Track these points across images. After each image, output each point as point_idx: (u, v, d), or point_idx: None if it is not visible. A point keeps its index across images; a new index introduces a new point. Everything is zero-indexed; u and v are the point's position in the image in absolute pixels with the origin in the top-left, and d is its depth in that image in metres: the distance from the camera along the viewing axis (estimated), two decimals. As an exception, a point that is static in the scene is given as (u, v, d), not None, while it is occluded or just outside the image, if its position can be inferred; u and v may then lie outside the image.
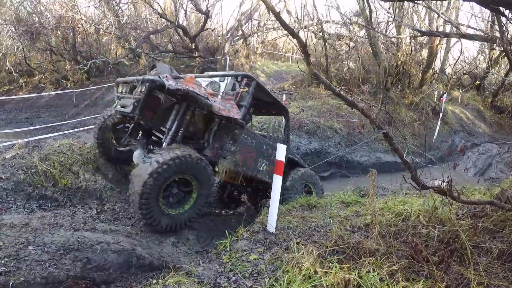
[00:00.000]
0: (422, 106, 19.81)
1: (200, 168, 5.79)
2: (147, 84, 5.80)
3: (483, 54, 26.93)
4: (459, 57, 25.58)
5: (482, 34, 8.97)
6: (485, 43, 19.27)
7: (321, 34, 20.68)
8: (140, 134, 7.33)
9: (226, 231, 5.23)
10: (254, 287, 3.71)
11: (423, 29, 15.34)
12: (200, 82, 7.01)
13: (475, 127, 22.00)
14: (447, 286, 3.67)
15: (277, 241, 4.75)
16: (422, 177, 4.87)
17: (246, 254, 4.39)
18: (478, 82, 25.53)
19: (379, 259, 4.10)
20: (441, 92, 21.10)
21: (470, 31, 8.62)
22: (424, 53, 21.34)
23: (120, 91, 6.80)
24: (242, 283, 3.77)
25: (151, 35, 24.57)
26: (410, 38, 18.92)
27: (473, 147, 19.08)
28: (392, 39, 19.79)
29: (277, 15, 4.33)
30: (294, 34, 4.66)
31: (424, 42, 20.55)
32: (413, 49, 20.05)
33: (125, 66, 24.26)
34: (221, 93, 6.83)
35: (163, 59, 25.46)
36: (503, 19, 6.05)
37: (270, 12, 4.69)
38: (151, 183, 5.35)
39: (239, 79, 7.07)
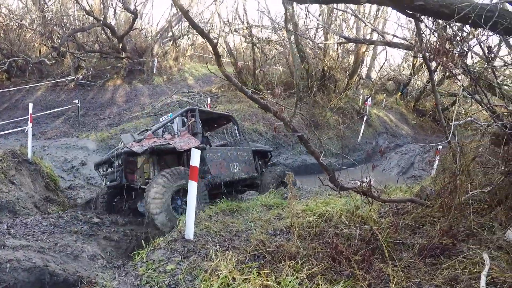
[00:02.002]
0: (347, 110, 20.38)
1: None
2: (121, 156, 7.30)
3: (407, 61, 28.18)
4: (383, 64, 26.68)
5: (406, 42, 9.29)
6: (409, 51, 20.17)
7: (250, 38, 20.75)
8: (133, 196, 8.53)
9: (142, 241, 5.05)
10: None
11: (351, 37, 15.78)
12: (158, 132, 8.63)
13: (398, 129, 22.89)
14: (369, 284, 3.64)
15: (195, 249, 4.56)
16: (345, 178, 4.88)
17: (163, 264, 4.20)
18: (402, 89, 26.62)
19: (299, 262, 4.01)
20: (365, 96, 21.76)
21: (395, 40, 8.94)
22: (351, 59, 21.95)
23: (102, 171, 8.41)
24: None
25: (77, 33, 23.52)
26: (337, 45, 19.38)
27: (396, 148, 19.81)
28: (320, 45, 20.19)
29: (186, 14, 4.17)
30: (203, 34, 4.54)
31: (351, 49, 21.12)
32: (339, 55, 20.55)
33: (47, 65, 23.08)
34: (176, 132, 8.40)
35: (89, 59, 24.50)
36: (423, 27, 6.23)
37: (178, 9, 4.51)
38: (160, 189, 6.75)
39: (184, 114, 8.71)
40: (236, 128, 10.24)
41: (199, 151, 4.94)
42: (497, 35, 5.18)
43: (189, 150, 7.32)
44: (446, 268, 3.97)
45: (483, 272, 3.57)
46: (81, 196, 10.33)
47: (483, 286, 3.33)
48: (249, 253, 4.35)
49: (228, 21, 22.86)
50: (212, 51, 4.40)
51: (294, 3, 16.37)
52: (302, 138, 4.83)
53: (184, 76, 26.46)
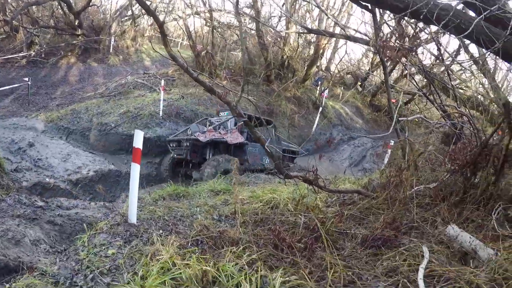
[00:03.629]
0: (303, 100, 20.58)
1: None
2: (190, 141, 11.05)
3: (367, 57, 28.53)
4: (343, 57, 26.91)
5: (366, 38, 9.39)
6: (370, 47, 20.48)
7: (210, 21, 20.47)
8: (190, 166, 11.91)
9: (84, 224, 4.89)
10: (112, 283, 3.42)
11: (312, 28, 15.81)
12: (216, 125, 12.16)
13: (353, 123, 23.22)
14: (310, 272, 3.63)
15: (138, 233, 4.44)
16: (293, 166, 4.89)
17: (104, 248, 4.05)
18: (360, 83, 27.00)
19: (241, 248, 3.99)
20: (323, 88, 21.94)
21: (358, 35, 9.07)
22: (311, 50, 22.04)
23: (172, 145, 12.00)
24: (99, 280, 3.47)
25: (32, 7, 22.43)
26: (298, 34, 19.40)
27: (349, 140, 20.16)
28: (281, 34, 20.17)
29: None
30: (149, 11, 4.43)
31: (313, 40, 21.18)
32: (300, 45, 20.58)
33: (-2, 40, 22.03)
34: (229, 129, 11.84)
35: (43, 35, 23.47)
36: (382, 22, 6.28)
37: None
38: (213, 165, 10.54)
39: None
40: (273, 130, 13.55)
41: (142, 133, 4.77)
42: (448, 33, 5.26)
43: (237, 143, 11.56)
44: (386, 259, 4.03)
45: (422, 265, 3.64)
46: (27, 179, 9.91)
47: (420, 279, 3.39)
48: (191, 238, 4.29)
49: (190, 2, 22.36)
50: (159, 31, 4.27)
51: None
52: (248, 123, 4.88)
53: (141, 57, 25.77)
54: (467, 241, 4.25)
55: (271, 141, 12.69)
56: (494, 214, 4.93)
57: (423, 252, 3.96)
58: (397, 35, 4.62)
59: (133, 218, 4.69)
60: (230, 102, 4.60)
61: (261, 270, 3.44)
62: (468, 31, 4.04)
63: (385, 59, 5.36)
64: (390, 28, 6.03)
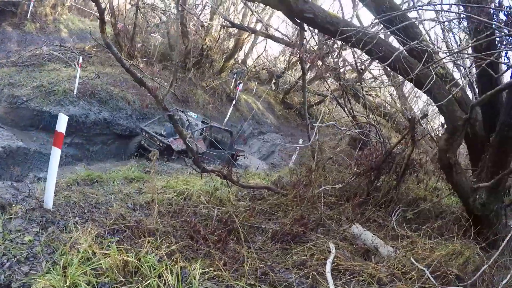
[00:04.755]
0: (218, 91, 20.70)
1: None
2: (165, 145, 12.48)
3: (284, 56, 29.12)
4: (261, 53, 27.20)
5: (286, 39, 9.71)
6: (287, 47, 20.95)
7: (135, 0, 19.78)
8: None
9: None
10: (30, 273, 3.28)
11: (235, 22, 15.93)
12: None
13: (264, 118, 23.66)
14: (225, 264, 3.76)
15: (54, 220, 4.24)
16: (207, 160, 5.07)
17: (20, 235, 3.80)
18: (275, 81, 27.60)
19: (158, 239, 4.03)
20: (237, 81, 22.20)
21: (278, 34, 9.38)
22: (231, 43, 22.16)
23: (144, 134, 13.31)
24: (17, 269, 3.29)
25: None
26: (221, 27, 19.44)
27: (259, 135, 20.57)
28: (204, 23, 20.06)
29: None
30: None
31: (234, 33, 21.30)
32: (221, 37, 20.62)
33: None
34: (196, 137, 12.12)
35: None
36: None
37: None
38: None
39: (205, 126, 14.20)
40: (230, 138, 15.27)
41: (67, 117, 4.54)
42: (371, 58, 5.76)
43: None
44: (296, 253, 4.33)
45: (329, 259, 3.97)
46: None
47: (328, 272, 3.69)
48: (108, 226, 4.23)
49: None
50: (99, 17, 4.14)
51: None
52: (172, 117, 5.26)
53: (58, 28, 23.85)
54: (369, 239, 4.70)
55: (227, 145, 15.11)
56: (394, 216, 5.49)
57: (330, 248, 4.30)
58: (322, 54, 4.99)
59: (49, 204, 4.46)
60: (158, 96, 4.64)
61: (180, 261, 3.52)
62: (389, 61, 4.48)
63: (306, 71, 5.74)
64: (314, 40, 6.47)
